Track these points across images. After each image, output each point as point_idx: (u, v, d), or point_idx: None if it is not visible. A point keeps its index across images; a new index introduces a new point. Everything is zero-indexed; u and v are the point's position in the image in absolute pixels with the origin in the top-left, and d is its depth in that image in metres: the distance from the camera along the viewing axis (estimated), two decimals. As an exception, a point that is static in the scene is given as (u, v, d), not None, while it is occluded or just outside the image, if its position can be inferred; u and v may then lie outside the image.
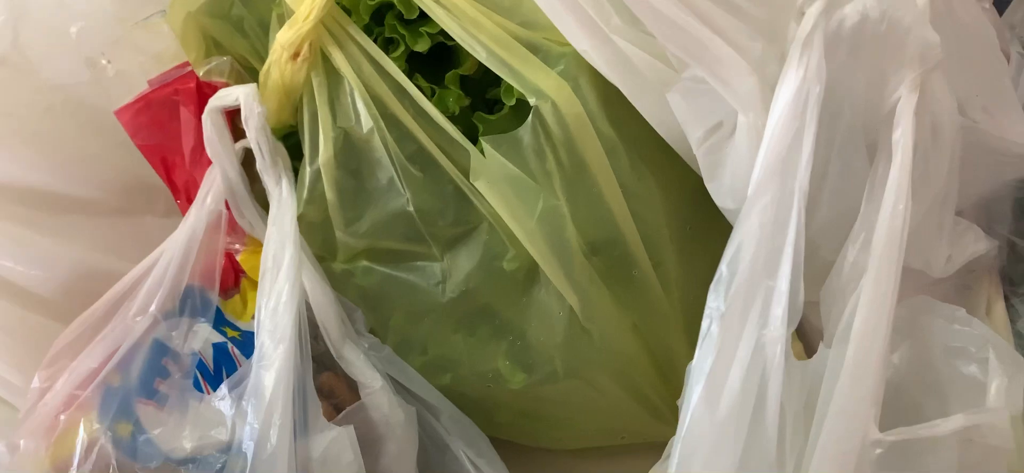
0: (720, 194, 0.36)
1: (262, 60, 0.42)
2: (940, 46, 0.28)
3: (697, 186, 0.40)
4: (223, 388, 0.38)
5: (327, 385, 0.41)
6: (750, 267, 0.28)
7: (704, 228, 0.43)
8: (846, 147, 0.33)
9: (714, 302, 0.28)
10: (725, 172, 0.35)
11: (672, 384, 0.44)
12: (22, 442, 0.39)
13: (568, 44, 0.35)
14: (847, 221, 0.34)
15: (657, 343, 0.43)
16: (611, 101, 0.37)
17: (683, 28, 0.27)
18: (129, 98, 0.44)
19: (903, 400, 0.35)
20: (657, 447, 0.47)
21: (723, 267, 0.29)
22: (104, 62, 0.46)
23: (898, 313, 0.34)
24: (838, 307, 0.34)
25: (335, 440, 0.37)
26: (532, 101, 0.36)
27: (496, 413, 0.45)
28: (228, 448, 0.37)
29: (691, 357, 0.44)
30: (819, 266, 0.34)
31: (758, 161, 0.28)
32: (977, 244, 0.37)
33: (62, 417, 0.39)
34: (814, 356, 0.32)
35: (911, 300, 0.36)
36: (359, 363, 0.41)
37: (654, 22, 0.27)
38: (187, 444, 0.37)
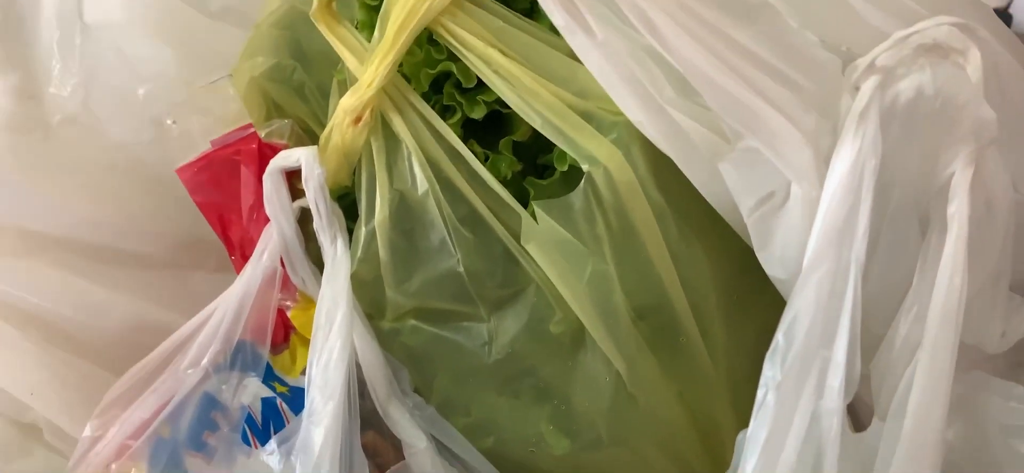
0: (771, 263, 0.36)
1: (320, 123, 0.43)
2: (996, 123, 0.29)
3: (744, 256, 0.40)
4: (272, 443, 0.38)
5: (371, 444, 0.41)
6: (806, 337, 0.28)
7: (751, 298, 0.43)
8: (897, 220, 0.33)
9: (770, 371, 0.29)
10: (776, 242, 0.35)
11: (717, 455, 0.44)
12: (72, 490, 0.40)
13: (622, 113, 0.36)
14: (898, 294, 0.34)
15: (702, 413, 0.43)
16: (661, 168, 0.38)
17: (739, 100, 0.28)
18: (189, 157, 0.45)
19: (958, 479, 0.34)
20: (697, 519, 0.47)
21: (780, 336, 0.29)
22: (169, 122, 0.47)
23: (953, 389, 0.33)
24: (891, 381, 0.34)
25: (381, 500, 0.37)
26: (585, 167, 0.36)
27: (538, 479, 0.44)
28: (275, 503, 0.37)
29: (737, 428, 0.44)
30: (869, 339, 0.34)
31: (814, 232, 0.29)
32: (1032, 321, 0.37)
33: (113, 467, 0.39)
34: (868, 429, 0.32)
35: (967, 376, 0.35)
36: (404, 422, 0.41)
37: (711, 93, 0.28)
38: (234, 498, 0.38)
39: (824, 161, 0.30)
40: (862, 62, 0.29)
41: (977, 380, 0.35)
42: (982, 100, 0.29)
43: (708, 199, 0.37)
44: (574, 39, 0.32)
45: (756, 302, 0.43)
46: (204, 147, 0.45)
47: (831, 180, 0.28)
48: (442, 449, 0.42)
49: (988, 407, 0.34)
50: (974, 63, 0.29)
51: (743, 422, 0.44)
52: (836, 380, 0.28)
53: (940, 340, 0.29)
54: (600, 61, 0.31)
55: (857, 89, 0.29)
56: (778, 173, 0.32)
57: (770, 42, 0.28)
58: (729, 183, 0.34)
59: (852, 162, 0.28)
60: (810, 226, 0.31)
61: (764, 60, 0.28)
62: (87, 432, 0.41)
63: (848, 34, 0.34)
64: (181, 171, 0.45)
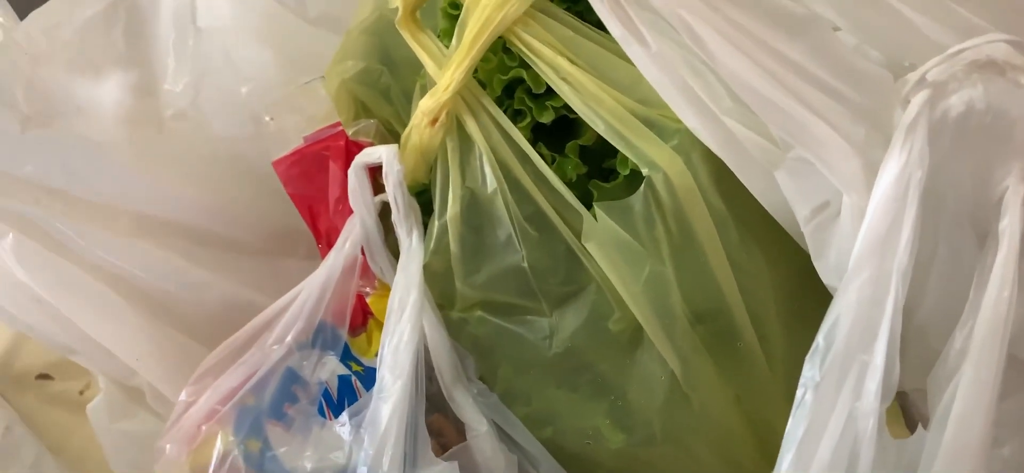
0: (827, 272, 0.37)
1: (404, 124, 0.46)
2: (1049, 139, 0.29)
3: (805, 264, 0.40)
4: (344, 415, 0.41)
5: (436, 424, 0.44)
6: (846, 340, 0.29)
7: (812, 307, 0.43)
8: (953, 235, 0.33)
9: (809, 372, 0.29)
10: (831, 251, 0.36)
11: (773, 460, 0.44)
12: (168, 447, 0.44)
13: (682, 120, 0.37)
14: (956, 309, 0.34)
15: (759, 417, 0.43)
16: (723, 176, 0.39)
17: (785, 110, 0.29)
18: (283, 152, 0.48)
19: (1014, 500, 0.34)
20: (751, 521, 0.47)
21: (820, 338, 0.30)
22: (267, 119, 0.51)
23: (1011, 407, 0.33)
24: (939, 393, 0.34)
25: (441, 474, 0.39)
26: (645, 172, 0.38)
27: (594, 472, 0.46)
28: (344, 471, 0.40)
29: (794, 436, 0.45)
30: (928, 353, 0.34)
31: (858, 239, 0.29)
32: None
33: (203, 428, 0.43)
34: (911, 437, 0.32)
35: (1029, 394, 0.35)
36: (467, 406, 0.43)
37: (757, 104, 0.29)
38: (308, 464, 0.41)
39: (876, 172, 0.31)
40: (913, 76, 0.29)
41: (1039, 399, 0.35)
42: (1035, 116, 0.29)
43: (766, 207, 0.38)
44: (630, 49, 0.33)
45: (817, 311, 0.43)
46: (297, 143, 0.48)
47: (877, 190, 0.29)
48: (503, 435, 0.44)
49: (1050, 427, 0.34)
50: (1033, 80, 0.30)
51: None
52: (873, 383, 0.29)
53: (985, 353, 0.29)
54: (655, 71, 0.33)
55: (908, 102, 0.29)
56: (831, 183, 0.33)
57: (818, 55, 0.29)
58: (785, 191, 0.35)
59: (898, 173, 0.28)
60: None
61: (811, 72, 0.29)
62: (183, 397, 0.45)
63: (913, 51, 0.34)
64: (276, 164, 0.48)
